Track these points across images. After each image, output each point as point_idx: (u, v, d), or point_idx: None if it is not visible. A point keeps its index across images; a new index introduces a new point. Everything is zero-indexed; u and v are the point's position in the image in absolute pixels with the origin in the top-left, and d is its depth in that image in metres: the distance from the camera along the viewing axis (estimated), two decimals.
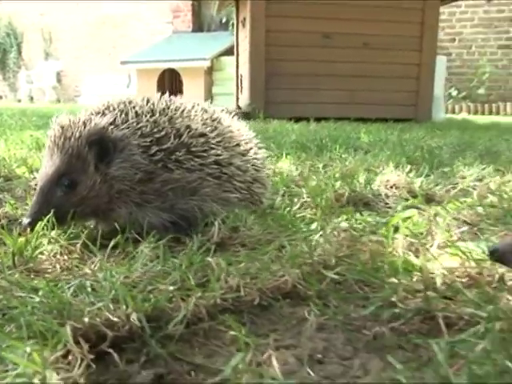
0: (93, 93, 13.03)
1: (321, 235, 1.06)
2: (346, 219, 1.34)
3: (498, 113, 12.94)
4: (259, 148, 1.54)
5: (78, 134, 1.18)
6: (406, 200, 1.66)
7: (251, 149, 1.49)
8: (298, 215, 1.28)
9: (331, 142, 3.03)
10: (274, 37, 6.54)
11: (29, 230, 1.07)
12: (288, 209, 1.30)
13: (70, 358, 0.60)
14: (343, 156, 2.53)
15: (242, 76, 7.43)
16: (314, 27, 6.69)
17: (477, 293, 0.84)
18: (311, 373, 0.68)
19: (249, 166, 1.44)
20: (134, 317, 0.70)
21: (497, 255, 0.81)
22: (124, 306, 0.71)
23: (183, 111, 1.41)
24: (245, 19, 7.00)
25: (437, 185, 1.97)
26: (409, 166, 2.13)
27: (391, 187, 1.84)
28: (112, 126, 1.20)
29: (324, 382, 0.67)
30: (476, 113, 13.00)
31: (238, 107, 6.66)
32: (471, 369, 0.61)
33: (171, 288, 0.80)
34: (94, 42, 14.46)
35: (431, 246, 1.14)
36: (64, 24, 14.44)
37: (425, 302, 0.81)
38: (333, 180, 1.78)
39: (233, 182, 1.34)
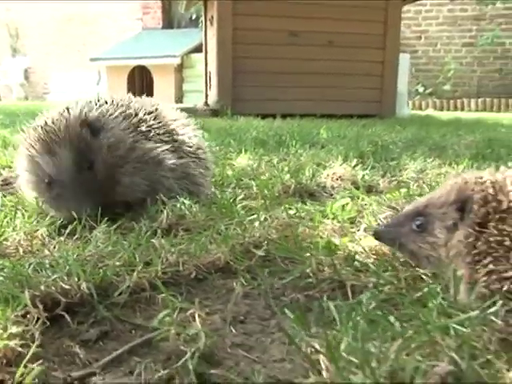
0: (62, 90, 12.92)
1: (255, 220, 1.21)
2: (289, 208, 1.49)
3: (462, 109, 13.30)
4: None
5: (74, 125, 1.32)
6: (349, 191, 1.82)
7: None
8: (240, 204, 1.42)
9: (290, 138, 3.19)
10: (241, 35, 6.66)
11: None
12: (232, 199, 1.45)
13: (28, 316, 0.73)
14: (299, 151, 2.68)
15: (210, 73, 7.53)
16: (280, 25, 6.83)
17: (380, 265, 1.00)
18: (233, 330, 0.83)
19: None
20: (84, 286, 0.83)
21: (377, 235, 1.02)
22: (76, 278, 0.85)
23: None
24: (212, 17, 7.10)
25: (383, 176, 2.14)
26: (355, 160, 2.30)
27: (337, 179, 2.00)
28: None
29: (243, 336, 0.81)
30: (442, 109, 13.32)
31: (206, 104, 6.77)
32: (360, 322, 0.76)
33: (118, 263, 0.94)
34: (63, 38, 14.30)
35: (358, 230, 1.30)
36: (31, 20, 14.24)
37: (336, 273, 0.96)
38: (282, 173, 1.93)
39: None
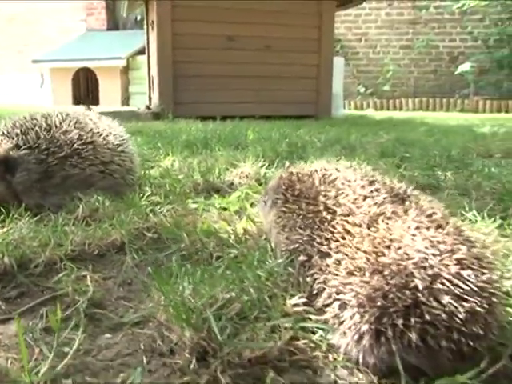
0: (3, 92, 12.69)
1: (152, 210, 1.52)
2: (193, 202, 1.81)
3: (401, 108, 13.94)
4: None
5: None
6: (250, 186, 2.15)
7: (126, 146, 1.91)
8: (147, 199, 1.72)
9: (217, 141, 3.50)
10: (181, 40, 6.91)
11: None
12: (141, 195, 1.74)
13: None
14: (219, 153, 3.00)
15: (153, 77, 7.73)
16: (218, 30, 7.12)
17: (242, 241, 1.32)
18: (121, 289, 1.13)
19: (125, 159, 1.88)
20: (7, 260, 1.11)
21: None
22: (1, 255, 1.13)
23: (76, 122, 1.80)
24: (153, 22, 7.31)
25: None
26: (268, 160, 2.63)
27: (245, 177, 2.32)
28: (14, 149, 1.62)
29: (127, 293, 1.12)
30: (382, 108, 13.91)
31: (148, 108, 6.98)
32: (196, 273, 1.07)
33: (35, 244, 1.22)
34: (3, 38, 14.01)
35: (242, 218, 1.63)
36: None
37: (206, 247, 1.28)
38: (194, 173, 2.24)
39: (114, 176, 1.79)
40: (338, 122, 6.85)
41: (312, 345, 0.88)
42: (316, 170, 1.18)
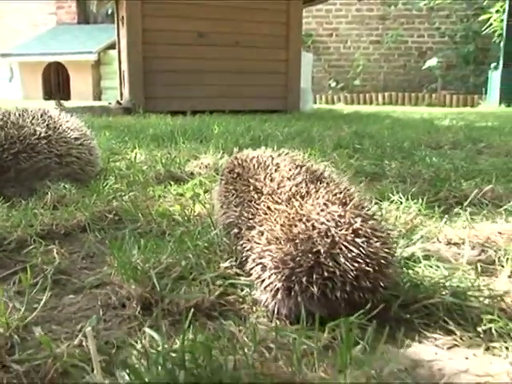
0: None
1: (114, 196, 1.70)
2: (153, 190, 1.99)
3: (371, 102, 14.24)
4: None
5: None
6: (207, 176, 2.34)
7: (84, 140, 2.08)
8: (112, 187, 1.90)
9: (183, 134, 3.67)
10: (151, 35, 7.02)
11: None
12: (105, 183, 1.92)
13: None
14: (183, 145, 3.18)
15: (124, 72, 7.81)
16: (188, 26, 7.25)
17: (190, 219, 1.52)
18: (84, 261, 1.32)
19: (84, 152, 2.04)
20: None
21: None
22: None
23: (33, 119, 1.96)
24: (123, 18, 7.39)
25: None
26: (228, 152, 2.82)
27: (205, 167, 2.51)
28: None
29: (89, 264, 1.30)
30: (352, 102, 14.19)
31: (118, 103, 7.08)
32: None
33: (8, 225, 1.39)
34: None
35: (195, 202, 1.82)
36: None
37: (159, 226, 1.47)
38: (158, 164, 2.42)
39: (71, 167, 1.95)
40: (306, 116, 7.08)
41: (239, 299, 1.08)
42: (254, 157, 1.38)
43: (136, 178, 2.11)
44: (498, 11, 12.47)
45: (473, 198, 2.06)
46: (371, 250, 1.02)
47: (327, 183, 1.17)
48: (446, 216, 1.62)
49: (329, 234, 1.02)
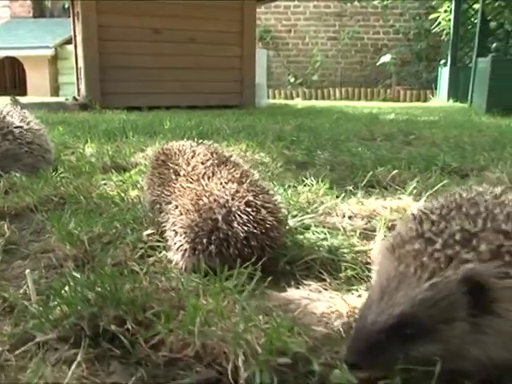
0: None
1: (61, 183, 1.95)
2: (98, 178, 2.23)
3: (329, 97, 14.61)
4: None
5: None
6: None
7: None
8: (60, 176, 2.13)
9: (134, 129, 3.89)
10: (107, 32, 7.12)
11: None
12: (55, 173, 2.16)
13: None
14: (133, 139, 3.41)
15: (81, 68, 7.89)
16: (144, 23, 7.38)
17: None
18: (32, 235, 1.55)
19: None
20: None
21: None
22: None
23: None
24: (78, 13, 7.46)
25: None
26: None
27: (149, 158, 2.75)
28: None
29: (36, 238, 1.54)
30: (310, 98, 14.51)
31: (75, 99, 7.17)
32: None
33: None
34: None
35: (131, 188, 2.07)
36: None
37: (97, 206, 1.73)
38: (106, 156, 2.65)
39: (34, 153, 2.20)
40: (259, 111, 7.34)
41: (157, 259, 1.35)
42: (176, 146, 1.65)
43: (84, 169, 2.34)
44: (446, 11, 13.03)
45: (382, 181, 2.39)
46: (259, 217, 1.31)
47: (231, 166, 1.45)
48: (343, 194, 1.92)
49: (226, 205, 1.30)
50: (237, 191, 1.32)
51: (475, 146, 3.60)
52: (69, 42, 11.26)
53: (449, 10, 12.88)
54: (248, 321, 0.86)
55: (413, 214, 1.02)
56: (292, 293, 1.26)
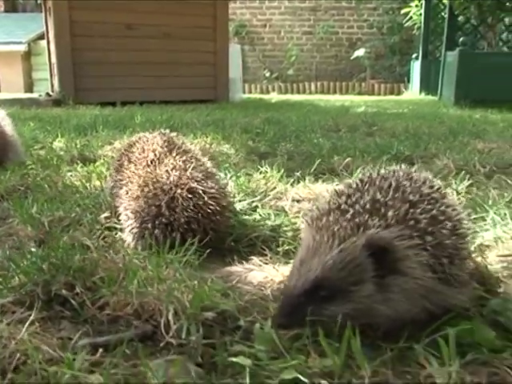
0: None
1: (28, 174, 2.06)
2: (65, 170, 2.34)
3: (304, 91, 14.76)
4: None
5: None
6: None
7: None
8: (28, 168, 2.24)
9: (105, 124, 3.99)
10: (80, 27, 7.13)
11: None
12: (23, 165, 2.27)
13: None
14: (103, 133, 3.51)
15: (54, 63, 7.88)
16: (117, 19, 7.41)
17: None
18: None
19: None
20: None
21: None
22: None
23: None
24: (50, 9, 7.45)
25: None
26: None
27: (117, 151, 2.85)
28: None
29: (2, 225, 1.65)
30: (286, 92, 14.63)
31: (48, 94, 7.19)
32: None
33: None
34: None
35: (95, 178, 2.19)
36: None
37: (61, 193, 1.84)
38: (74, 149, 2.75)
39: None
40: (232, 106, 7.45)
41: (113, 240, 1.47)
42: (137, 137, 1.77)
43: (51, 162, 2.44)
44: (417, 5, 13.28)
45: (336, 169, 2.54)
46: (201, 203, 1.44)
47: (180, 154, 1.58)
48: (293, 180, 2.07)
49: (170, 192, 1.43)
50: (180, 178, 1.45)
51: (432, 135, 3.78)
52: (42, 37, 11.17)
53: (420, 4, 13.13)
54: (181, 282, 1.00)
55: (334, 190, 1.16)
56: (236, 267, 1.40)
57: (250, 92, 14.26)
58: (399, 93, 13.91)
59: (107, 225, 1.50)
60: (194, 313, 0.93)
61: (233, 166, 2.50)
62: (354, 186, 1.11)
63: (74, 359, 0.81)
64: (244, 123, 4.52)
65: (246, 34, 15.51)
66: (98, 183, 2.02)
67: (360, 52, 15.07)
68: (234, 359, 0.83)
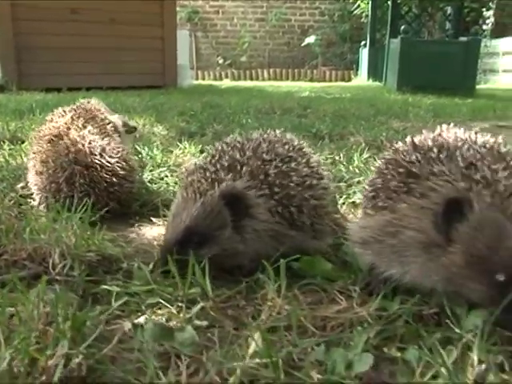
0: None
1: None
2: None
3: (257, 78, 14.87)
4: None
5: None
6: None
7: None
8: None
9: (42, 108, 4.05)
10: (22, 11, 7.01)
11: None
12: None
13: None
14: (40, 116, 3.59)
15: None
16: (61, 3, 7.30)
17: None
18: None
19: None
20: None
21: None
22: None
23: None
24: None
25: None
26: None
27: None
28: None
29: None
30: (239, 79, 14.70)
31: None
32: None
33: None
34: None
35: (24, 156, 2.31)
36: None
37: None
38: (6, 131, 2.85)
39: None
40: (180, 92, 7.52)
41: (26, 203, 1.63)
42: (51, 114, 1.92)
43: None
44: None
45: None
46: (97, 177, 1.60)
47: (84, 128, 1.73)
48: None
49: (69, 168, 1.59)
50: (78, 154, 1.60)
51: (357, 117, 4.05)
52: None
53: None
54: (71, 231, 1.18)
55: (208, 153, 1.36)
56: (143, 229, 1.58)
57: (204, 79, 14.28)
58: (349, 79, 14.24)
59: (21, 193, 1.65)
60: (78, 253, 1.11)
61: (159, 144, 2.67)
62: (220, 148, 1.31)
63: None
64: (182, 107, 4.66)
65: (199, 20, 15.47)
66: (21, 161, 2.15)
67: (311, 39, 15.29)
68: (104, 286, 1.02)
